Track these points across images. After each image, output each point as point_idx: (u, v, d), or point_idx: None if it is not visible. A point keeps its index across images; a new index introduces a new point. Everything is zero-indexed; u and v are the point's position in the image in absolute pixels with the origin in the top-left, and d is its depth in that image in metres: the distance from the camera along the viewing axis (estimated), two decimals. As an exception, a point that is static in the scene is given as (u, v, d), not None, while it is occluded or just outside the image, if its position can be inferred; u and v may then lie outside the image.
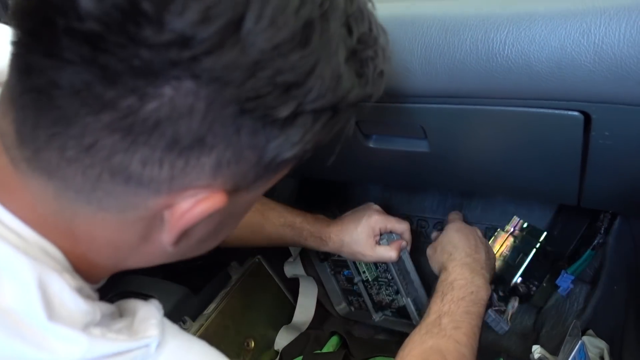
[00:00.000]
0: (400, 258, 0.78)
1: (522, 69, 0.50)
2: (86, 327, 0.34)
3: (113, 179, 0.32)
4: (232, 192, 0.35)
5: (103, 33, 0.27)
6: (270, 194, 0.99)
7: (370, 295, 0.91)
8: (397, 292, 0.86)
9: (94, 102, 0.29)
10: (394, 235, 0.78)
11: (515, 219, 0.90)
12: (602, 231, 0.77)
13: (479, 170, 0.69)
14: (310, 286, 0.92)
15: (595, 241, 0.78)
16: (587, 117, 0.52)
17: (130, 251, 0.38)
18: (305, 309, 0.90)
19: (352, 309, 0.96)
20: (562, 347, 0.59)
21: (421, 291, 0.80)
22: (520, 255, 0.88)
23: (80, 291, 0.35)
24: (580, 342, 0.60)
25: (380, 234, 0.78)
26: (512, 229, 0.89)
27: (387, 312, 0.91)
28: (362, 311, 0.94)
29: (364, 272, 0.91)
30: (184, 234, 0.36)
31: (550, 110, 0.52)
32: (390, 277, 0.86)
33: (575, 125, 0.53)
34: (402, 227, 0.78)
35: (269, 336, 0.89)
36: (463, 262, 0.69)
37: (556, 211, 0.89)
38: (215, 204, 0.34)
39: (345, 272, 0.94)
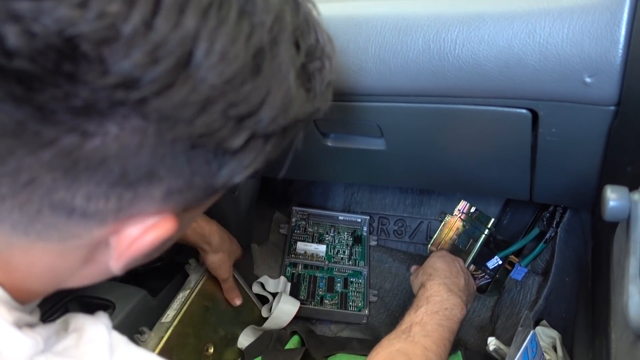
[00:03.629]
0: None
1: (472, 68, 0.51)
2: (30, 358, 0.32)
3: (54, 213, 0.30)
4: (182, 212, 0.35)
5: (36, 73, 0.25)
6: (232, 194, 0.98)
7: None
8: None
9: (31, 141, 0.27)
10: None
11: (463, 203, 0.93)
12: (553, 225, 0.80)
13: (434, 168, 0.71)
14: (292, 301, 0.93)
15: (547, 235, 0.81)
16: (535, 115, 0.54)
17: (70, 273, 0.36)
18: (279, 321, 0.90)
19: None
20: (515, 338, 0.61)
21: None
22: (471, 241, 0.91)
23: (18, 323, 0.33)
24: (532, 332, 0.62)
25: None
26: (460, 213, 0.92)
27: None
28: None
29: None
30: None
31: (499, 108, 0.54)
32: None
33: (524, 122, 0.54)
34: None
35: (230, 337, 0.88)
36: (441, 282, 0.73)
37: (505, 202, 0.92)
38: (166, 230, 0.33)
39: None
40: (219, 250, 0.83)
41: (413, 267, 0.89)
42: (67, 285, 0.38)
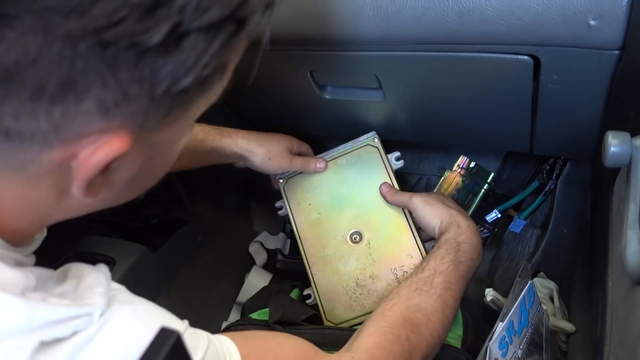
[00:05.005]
0: None
1: (472, 12, 0.49)
2: (23, 292, 0.32)
3: None
4: (141, 132, 0.32)
5: None
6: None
7: None
8: None
9: None
10: None
11: (463, 158, 0.92)
12: (553, 177, 0.79)
13: (434, 119, 0.70)
14: (262, 274, 0.94)
15: (547, 187, 0.80)
16: (537, 62, 0.52)
17: (50, 208, 0.35)
18: (249, 292, 0.91)
19: None
20: (512, 288, 0.61)
21: None
22: (470, 196, 0.91)
23: (3, 260, 0.32)
24: (530, 282, 0.62)
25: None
26: (459, 168, 0.92)
27: None
28: None
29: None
30: (102, 182, 0.33)
31: (500, 55, 0.53)
32: None
33: (525, 69, 0.53)
34: (307, 146, 0.82)
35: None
36: (473, 227, 0.67)
37: (505, 156, 0.92)
38: (116, 149, 0.31)
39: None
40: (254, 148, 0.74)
41: (388, 187, 0.76)
42: (54, 220, 0.37)
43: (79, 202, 0.35)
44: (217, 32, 0.29)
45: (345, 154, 0.80)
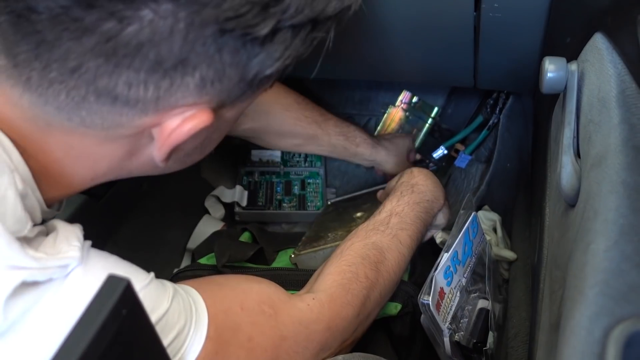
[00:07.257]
0: None
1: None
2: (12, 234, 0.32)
3: (99, 100, 0.33)
4: (218, 108, 0.37)
5: None
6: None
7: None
8: None
9: (75, 27, 0.29)
10: None
11: (405, 93, 0.92)
12: (496, 111, 0.80)
13: (378, 56, 0.68)
14: (213, 222, 0.93)
15: (491, 122, 0.81)
16: (478, -11, 0.52)
17: (112, 164, 0.39)
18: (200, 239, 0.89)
19: None
20: (457, 220, 0.63)
21: None
22: (414, 131, 0.91)
23: (23, 198, 0.34)
24: (473, 214, 0.64)
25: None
26: (402, 103, 0.92)
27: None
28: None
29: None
30: (173, 151, 0.37)
31: (442, -17, 0.51)
32: None
33: (467, -3, 0.52)
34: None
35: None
36: (426, 172, 0.69)
37: (450, 91, 0.92)
38: (202, 121, 0.35)
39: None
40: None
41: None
42: (106, 178, 0.41)
43: (141, 166, 0.40)
44: (300, 30, 0.34)
45: None
